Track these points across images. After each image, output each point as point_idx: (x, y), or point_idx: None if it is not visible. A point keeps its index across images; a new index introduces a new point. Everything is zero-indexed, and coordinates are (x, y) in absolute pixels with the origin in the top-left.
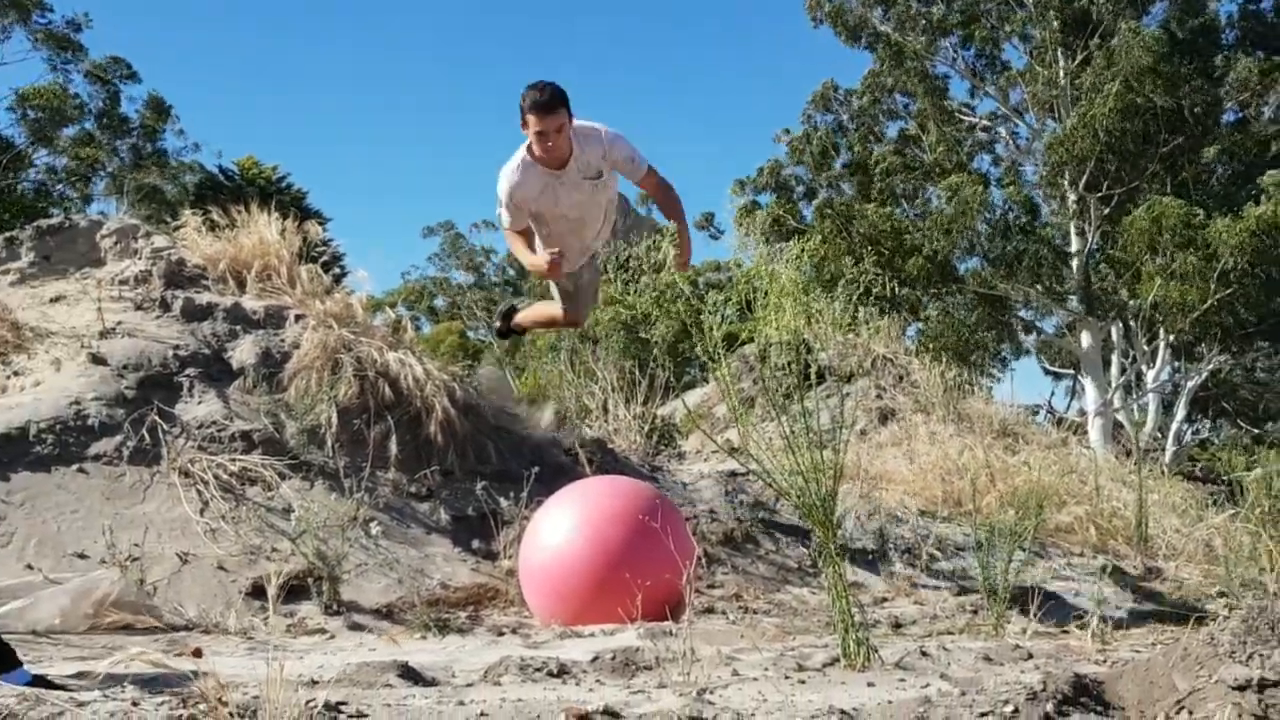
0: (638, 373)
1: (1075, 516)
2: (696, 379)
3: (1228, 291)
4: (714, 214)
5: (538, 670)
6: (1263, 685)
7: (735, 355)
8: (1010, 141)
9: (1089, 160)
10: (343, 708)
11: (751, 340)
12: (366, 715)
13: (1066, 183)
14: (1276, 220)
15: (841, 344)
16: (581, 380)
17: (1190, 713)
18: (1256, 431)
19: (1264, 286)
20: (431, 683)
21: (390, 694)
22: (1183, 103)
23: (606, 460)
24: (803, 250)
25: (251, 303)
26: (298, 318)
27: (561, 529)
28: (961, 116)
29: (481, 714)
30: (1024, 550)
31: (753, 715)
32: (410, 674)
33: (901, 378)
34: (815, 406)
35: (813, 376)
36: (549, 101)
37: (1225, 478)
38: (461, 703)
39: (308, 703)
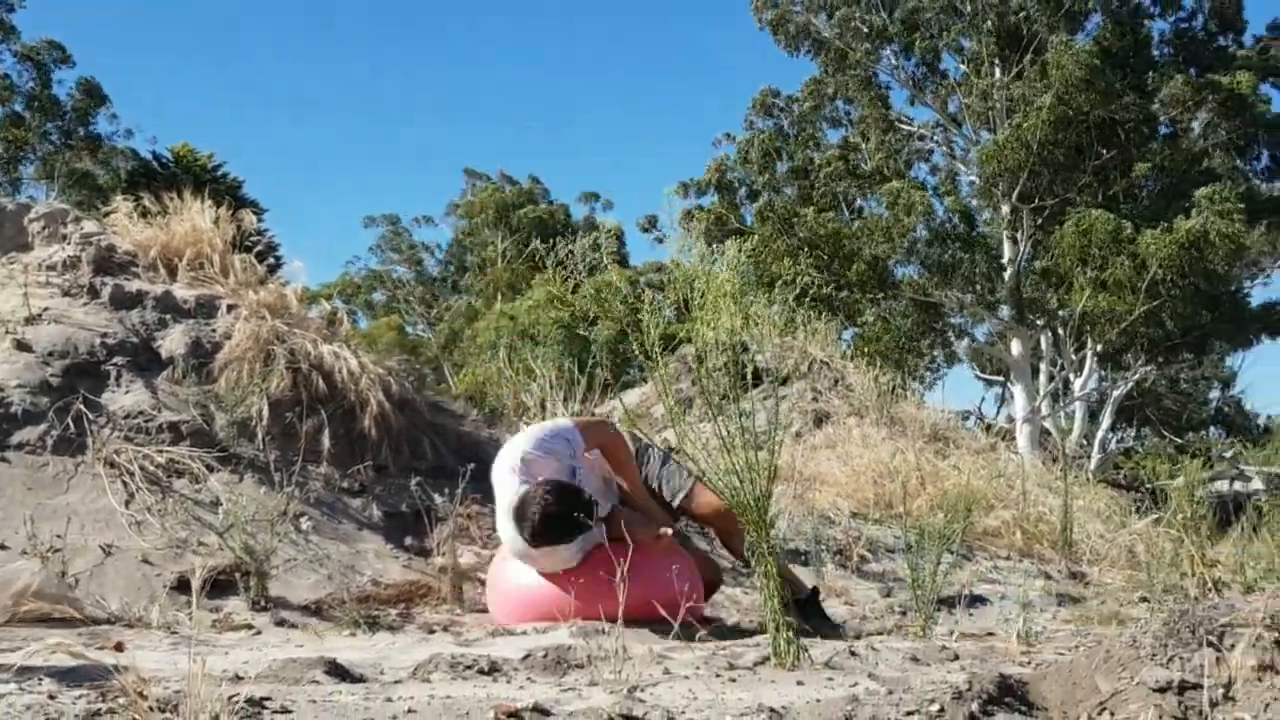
0: (577, 371)
1: (1003, 521)
2: (635, 379)
3: (1155, 303)
4: (657, 217)
5: (468, 668)
6: (1183, 687)
7: (674, 356)
8: (948, 151)
9: (1021, 172)
10: (267, 703)
11: (689, 341)
12: (291, 711)
13: (1000, 193)
14: (1206, 234)
15: (779, 346)
16: (520, 378)
17: (1112, 714)
18: (1179, 441)
19: (1190, 299)
20: (359, 679)
21: (316, 690)
22: (1115, 116)
23: None
24: (740, 250)
25: (183, 291)
26: (230, 308)
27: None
28: (901, 125)
29: (409, 710)
30: (952, 553)
31: (683, 712)
32: (338, 671)
33: (837, 381)
34: (752, 408)
35: (749, 378)
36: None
37: (1148, 485)
38: (389, 699)
39: (230, 698)
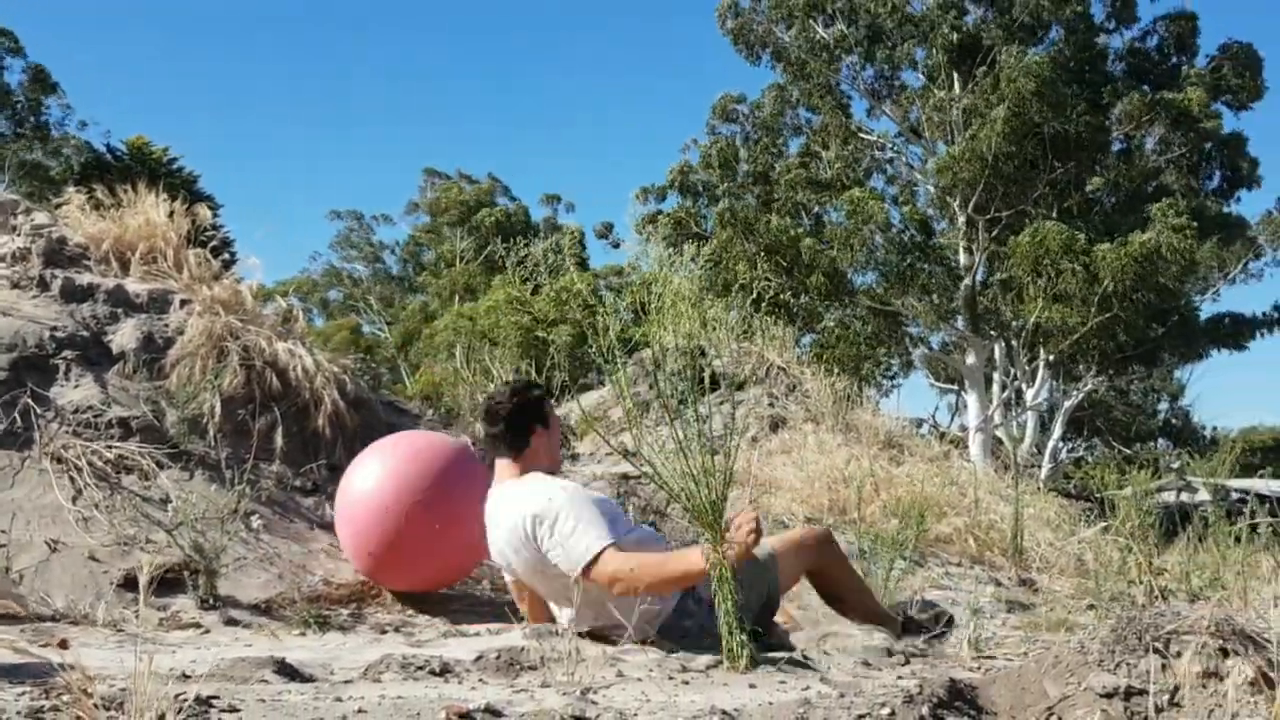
0: (534, 373)
1: (955, 528)
2: (594, 382)
3: (1108, 316)
4: (613, 224)
5: (420, 668)
6: (1129, 693)
7: (632, 360)
8: (905, 161)
9: (976, 184)
10: (214, 702)
11: (647, 344)
12: (239, 710)
13: (956, 205)
14: (1159, 249)
15: (736, 351)
16: (477, 379)
17: (1060, 718)
18: (1128, 451)
19: (1142, 312)
20: (309, 679)
21: (265, 689)
22: (1069, 129)
23: None
24: (698, 252)
25: (135, 286)
26: (183, 303)
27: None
28: (862, 134)
29: (359, 710)
30: (905, 559)
31: (635, 714)
32: (287, 670)
33: (793, 387)
34: (709, 412)
35: (706, 383)
36: None
37: (1097, 495)
38: (339, 699)
39: (177, 696)
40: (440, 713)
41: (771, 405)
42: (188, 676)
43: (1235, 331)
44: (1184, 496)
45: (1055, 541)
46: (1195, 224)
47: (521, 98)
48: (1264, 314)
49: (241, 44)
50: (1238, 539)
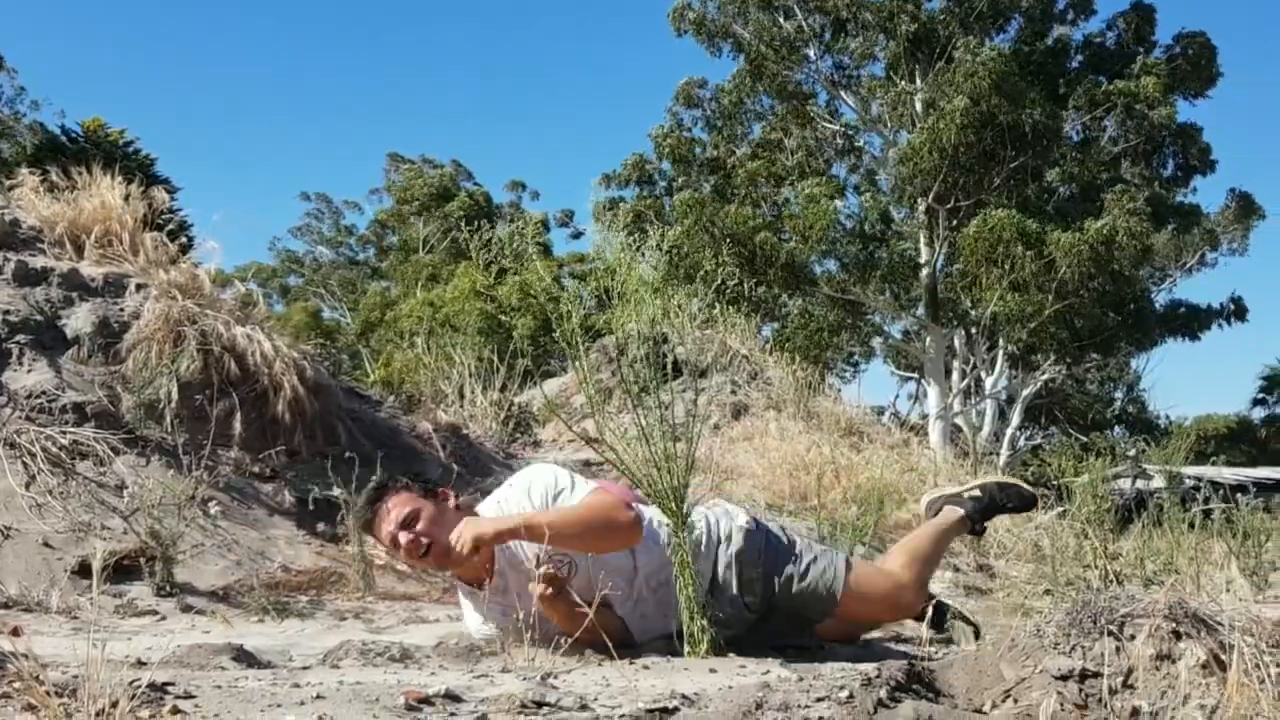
0: (497, 360)
1: (914, 514)
2: (556, 369)
3: (1065, 304)
4: (574, 211)
5: (379, 655)
6: (1084, 675)
7: (595, 347)
8: (866, 151)
9: (936, 174)
10: (169, 688)
11: (610, 331)
12: (195, 696)
13: (915, 194)
14: (1114, 235)
15: (699, 338)
16: (438, 365)
17: (1016, 700)
18: (1085, 439)
19: (1099, 301)
20: (267, 666)
21: (221, 676)
22: (1025, 119)
23: (460, 445)
24: (662, 238)
25: (90, 269)
26: (139, 287)
27: None
28: (823, 124)
29: (317, 696)
30: (865, 545)
31: (596, 699)
32: (245, 657)
33: (755, 374)
34: (670, 399)
35: (669, 370)
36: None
37: (1055, 482)
38: (297, 685)
39: (131, 683)
40: (399, 698)
41: (734, 392)
42: (143, 663)
43: (1190, 321)
44: (1139, 484)
45: (1012, 528)
46: (1150, 210)
47: (486, 82)
48: (1220, 305)
49: (201, 27)
50: (1191, 525)
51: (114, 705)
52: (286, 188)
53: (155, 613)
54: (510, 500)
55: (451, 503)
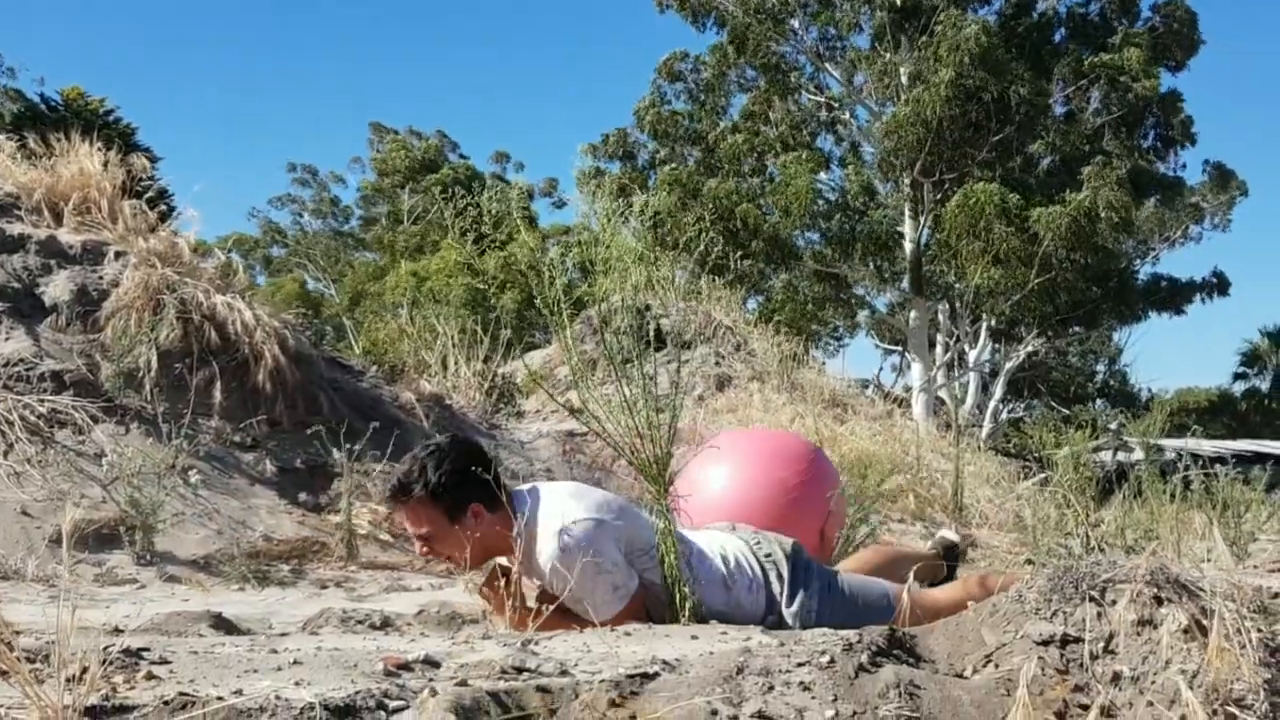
0: (480, 330)
1: (897, 485)
2: (540, 342)
3: (1047, 277)
4: (559, 180)
5: (360, 623)
6: (1065, 641)
7: (580, 318)
8: (851, 123)
9: (920, 148)
10: (144, 654)
11: (594, 302)
12: (170, 662)
13: (900, 167)
14: (1095, 208)
15: (683, 310)
16: (422, 336)
17: (997, 665)
18: (1066, 412)
19: (1081, 274)
20: (246, 633)
21: (199, 642)
22: (1010, 92)
23: (443, 416)
24: (646, 205)
25: (68, 237)
26: (118, 255)
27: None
28: (807, 95)
29: (295, 662)
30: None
31: (576, 665)
32: (223, 624)
33: (739, 346)
34: (654, 369)
35: (651, 340)
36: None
37: (1036, 454)
38: (274, 651)
39: (105, 648)
40: (378, 663)
41: (718, 364)
42: (120, 630)
43: (1172, 295)
44: (1120, 456)
45: (994, 498)
46: (1132, 182)
47: (473, 52)
48: (1203, 279)
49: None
50: (1171, 496)
51: (85, 670)
52: (268, 159)
53: (135, 581)
54: (551, 566)
55: (482, 522)
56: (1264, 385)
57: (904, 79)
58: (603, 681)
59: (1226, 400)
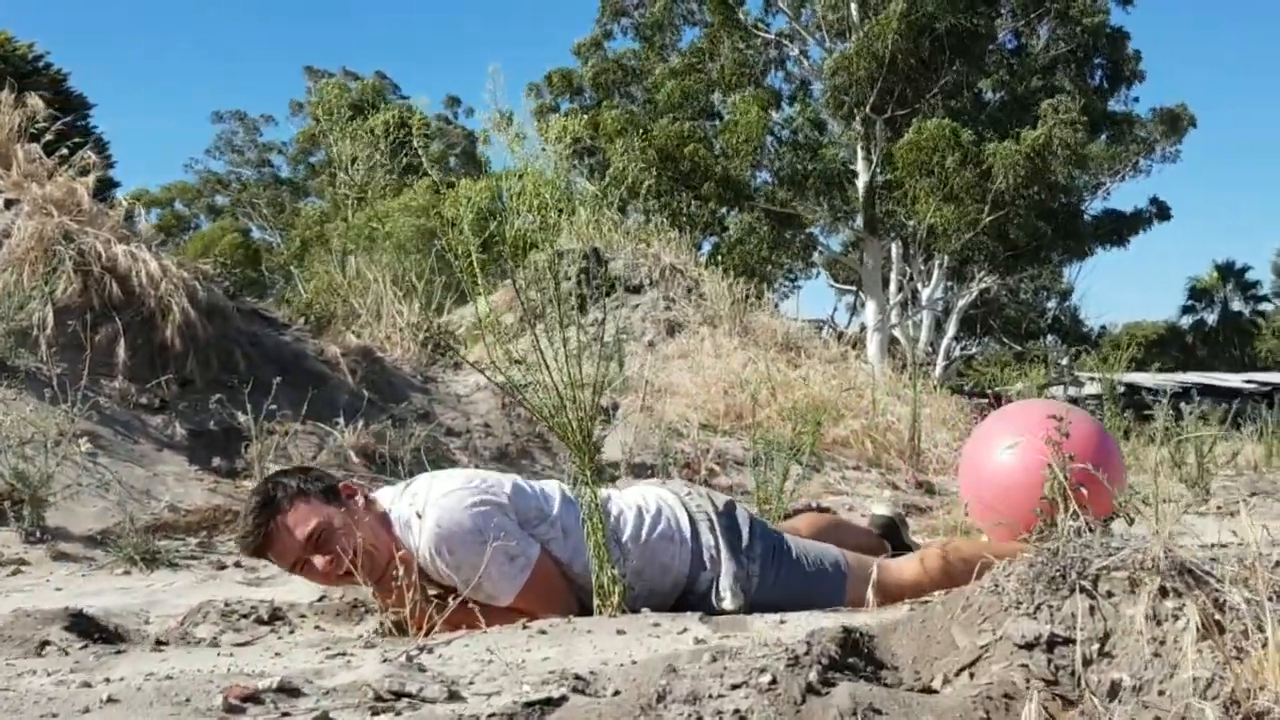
0: (432, 275)
1: (852, 430)
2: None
3: (1000, 214)
4: (512, 114)
5: (244, 616)
6: (1052, 642)
7: (525, 261)
8: (802, 60)
9: (872, 83)
10: None
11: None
12: None
13: (851, 104)
14: (1050, 144)
15: (632, 253)
16: (352, 284)
17: (972, 676)
18: (1019, 349)
19: (1033, 210)
20: (111, 633)
21: (11, 669)
22: (962, 24)
23: (373, 369)
24: (564, 130)
25: None
26: (9, 203)
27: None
28: (756, 32)
29: (109, 699)
30: (801, 464)
31: (471, 682)
32: (80, 624)
33: (690, 289)
34: (588, 321)
35: (574, 289)
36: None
37: (990, 391)
38: (88, 684)
39: None
40: (217, 696)
41: (669, 309)
42: None
43: (1118, 227)
44: (1071, 391)
45: (951, 442)
46: (1085, 119)
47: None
48: (1143, 209)
49: None
50: (1126, 433)
51: None
52: (207, 104)
53: (22, 561)
54: (423, 536)
55: (360, 500)
56: (1211, 318)
57: (854, 13)
58: (492, 716)
59: (1175, 333)
